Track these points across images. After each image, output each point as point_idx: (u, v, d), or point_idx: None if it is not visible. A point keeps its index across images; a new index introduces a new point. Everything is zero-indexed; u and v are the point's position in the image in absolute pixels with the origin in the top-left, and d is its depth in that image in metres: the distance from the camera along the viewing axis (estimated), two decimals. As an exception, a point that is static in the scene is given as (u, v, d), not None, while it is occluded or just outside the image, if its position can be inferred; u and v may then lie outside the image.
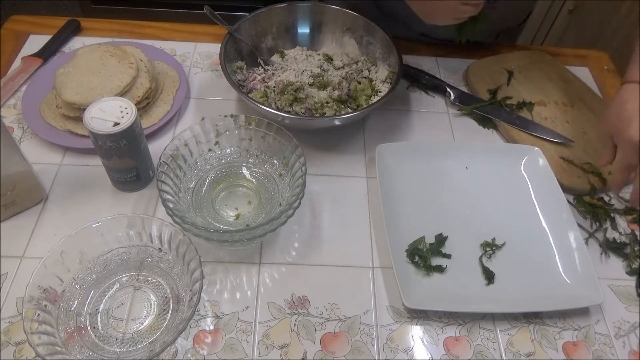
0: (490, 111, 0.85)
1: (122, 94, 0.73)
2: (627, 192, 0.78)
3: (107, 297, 0.59)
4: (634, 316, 0.64)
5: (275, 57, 0.89)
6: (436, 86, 0.89)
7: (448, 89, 0.87)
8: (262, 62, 0.87)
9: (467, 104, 0.86)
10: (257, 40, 0.87)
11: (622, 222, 0.74)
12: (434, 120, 0.85)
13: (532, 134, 0.82)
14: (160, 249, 0.61)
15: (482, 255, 0.67)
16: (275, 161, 0.70)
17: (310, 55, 0.88)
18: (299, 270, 0.65)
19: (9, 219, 0.66)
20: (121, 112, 0.62)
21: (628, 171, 0.65)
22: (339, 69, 0.86)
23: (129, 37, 0.93)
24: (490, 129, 0.85)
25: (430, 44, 0.98)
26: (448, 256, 0.67)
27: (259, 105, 0.72)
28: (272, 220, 0.58)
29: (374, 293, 0.64)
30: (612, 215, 0.74)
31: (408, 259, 0.65)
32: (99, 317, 0.57)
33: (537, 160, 0.76)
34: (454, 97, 0.87)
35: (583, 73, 0.96)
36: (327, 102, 0.77)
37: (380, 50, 0.86)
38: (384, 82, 0.83)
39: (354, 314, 0.62)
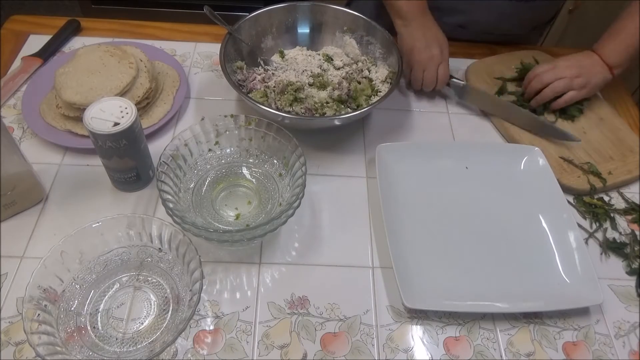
0: None
1: (122, 94, 0.73)
2: (628, 191, 0.78)
3: (107, 297, 0.59)
4: (634, 316, 0.64)
5: (275, 57, 0.89)
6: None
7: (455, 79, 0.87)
8: (262, 62, 0.87)
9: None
10: (257, 40, 0.87)
11: (622, 222, 0.74)
12: (434, 120, 0.85)
13: (538, 134, 0.82)
14: (160, 249, 0.61)
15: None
16: (275, 161, 0.70)
17: (310, 55, 0.88)
18: (299, 270, 0.65)
19: (9, 219, 0.66)
20: (121, 112, 0.62)
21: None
22: (339, 69, 0.86)
23: (129, 37, 0.93)
24: (489, 123, 0.85)
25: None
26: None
27: (259, 105, 0.72)
28: (272, 220, 0.58)
29: (374, 293, 0.64)
30: (612, 215, 0.74)
31: None
32: (99, 317, 0.57)
33: (537, 160, 0.76)
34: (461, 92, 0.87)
35: (583, 73, 0.96)
36: (327, 102, 0.77)
37: (380, 50, 0.86)
38: (384, 82, 0.83)
39: (354, 314, 0.62)
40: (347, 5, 0.89)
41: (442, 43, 0.83)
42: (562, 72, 0.81)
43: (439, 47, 0.82)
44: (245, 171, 0.71)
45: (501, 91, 0.88)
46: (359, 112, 0.74)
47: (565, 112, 0.85)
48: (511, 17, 0.94)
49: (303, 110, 0.76)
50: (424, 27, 0.83)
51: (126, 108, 0.62)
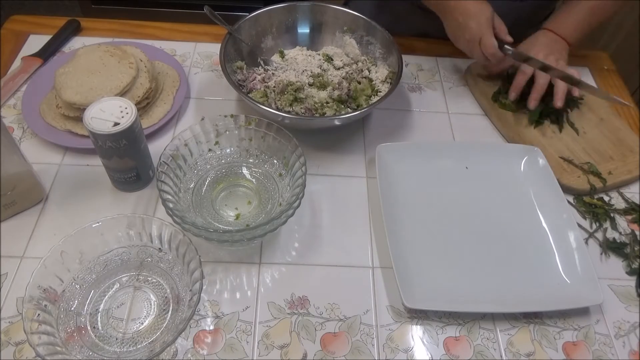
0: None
1: (122, 94, 0.73)
2: (628, 191, 0.78)
3: (107, 297, 0.59)
4: (634, 316, 0.64)
5: (275, 57, 0.89)
6: None
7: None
8: (262, 62, 0.87)
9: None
10: (257, 40, 0.87)
11: (622, 222, 0.74)
12: (434, 120, 0.85)
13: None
14: (160, 249, 0.61)
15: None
16: (275, 161, 0.70)
17: (310, 55, 0.88)
18: (299, 270, 0.65)
19: (9, 219, 0.66)
20: (121, 112, 0.62)
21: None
22: (339, 69, 0.86)
23: (129, 37, 0.93)
24: (489, 123, 0.86)
25: (431, 43, 0.98)
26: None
27: (259, 105, 0.72)
28: (272, 220, 0.58)
29: (374, 293, 0.64)
30: (612, 215, 0.74)
31: None
32: (99, 317, 0.57)
33: (537, 160, 0.76)
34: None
35: (583, 73, 0.96)
36: (327, 102, 0.77)
37: (380, 50, 0.86)
38: (384, 82, 0.83)
39: (354, 314, 0.62)
40: (345, 5, 0.89)
41: (475, 15, 0.79)
42: (552, 63, 0.81)
43: (474, 21, 0.79)
44: (245, 171, 0.71)
45: (499, 92, 0.88)
46: (359, 112, 0.74)
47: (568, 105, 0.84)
48: (505, 16, 0.94)
49: (303, 110, 0.76)
50: (451, 10, 0.81)
51: (126, 108, 0.62)
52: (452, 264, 0.66)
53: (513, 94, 0.83)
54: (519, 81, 0.83)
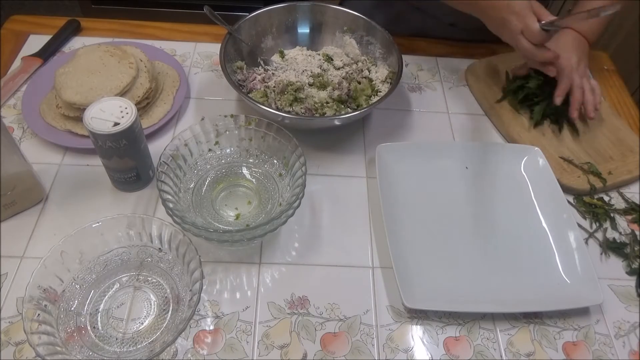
0: None
1: (122, 94, 0.73)
2: (628, 191, 0.78)
3: (107, 297, 0.59)
4: (634, 316, 0.64)
5: (275, 57, 0.89)
6: None
7: None
8: (262, 62, 0.87)
9: None
10: (257, 40, 0.87)
11: (622, 222, 0.74)
12: (434, 120, 0.85)
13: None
14: (160, 249, 0.61)
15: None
16: (275, 161, 0.70)
17: (310, 55, 0.88)
18: (299, 270, 0.65)
19: (9, 219, 0.66)
20: (121, 112, 0.62)
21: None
22: (339, 69, 0.86)
23: (129, 37, 0.93)
24: (489, 123, 0.85)
25: (431, 43, 0.98)
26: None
27: (259, 105, 0.72)
28: (272, 220, 0.58)
29: (374, 293, 0.64)
30: (612, 215, 0.74)
31: None
32: (99, 317, 0.57)
33: (537, 160, 0.76)
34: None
35: (583, 73, 0.96)
36: (327, 102, 0.77)
37: (380, 50, 0.86)
38: (384, 82, 0.83)
39: (354, 314, 0.62)
40: (340, 5, 0.89)
41: (509, 6, 0.74)
42: (583, 70, 0.81)
43: (512, 14, 0.74)
44: (245, 171, 0.71)
45: (504, 89, 0.88)
46: (359, 112, 0.74)
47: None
48: None
49: (303, 110, 0.76)
50: (485, 9, 0.77)
51: (126, 108, 0.62)
52: (452, 264, 0.66)
53: (559, 99, 0.80)
54: (563, 89, 0.80)
